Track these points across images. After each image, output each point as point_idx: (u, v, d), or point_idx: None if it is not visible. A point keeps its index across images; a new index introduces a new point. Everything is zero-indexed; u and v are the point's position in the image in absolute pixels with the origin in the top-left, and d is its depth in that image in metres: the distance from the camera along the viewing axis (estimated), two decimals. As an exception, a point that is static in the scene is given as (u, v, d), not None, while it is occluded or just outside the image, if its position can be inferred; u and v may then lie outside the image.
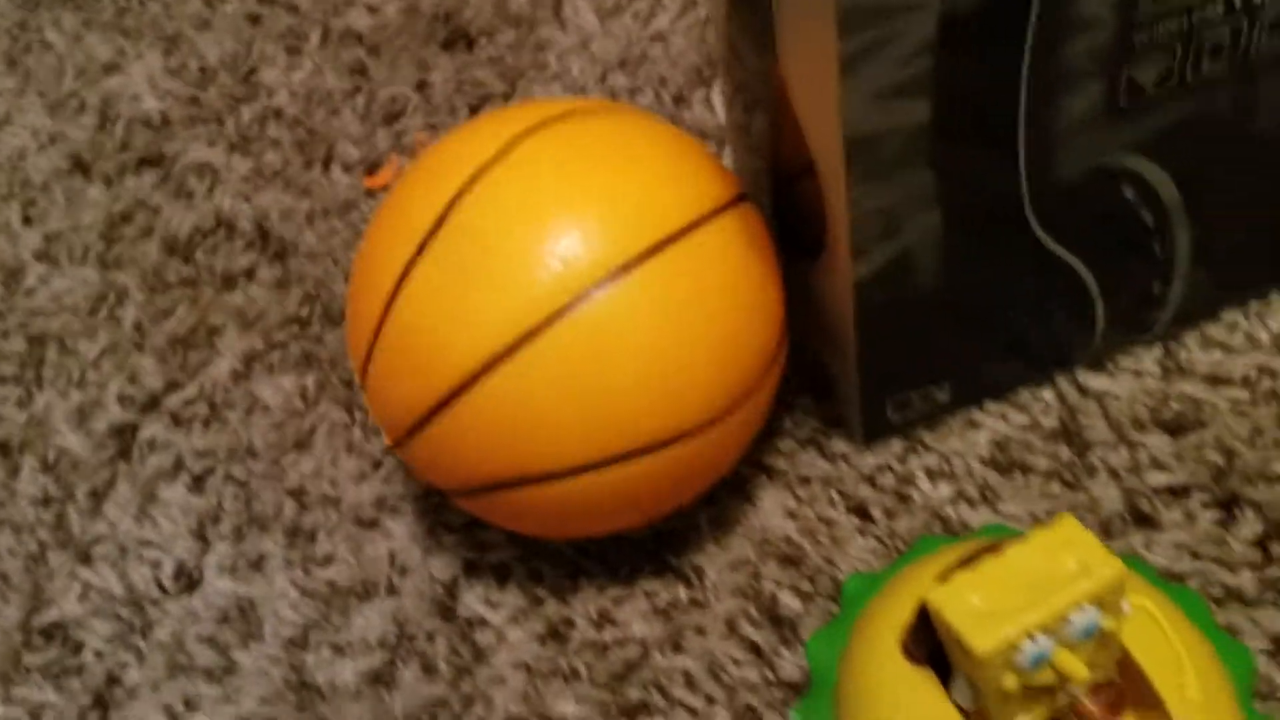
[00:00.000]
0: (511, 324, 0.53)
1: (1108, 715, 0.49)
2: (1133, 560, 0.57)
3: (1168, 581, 0.58)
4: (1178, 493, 0.61)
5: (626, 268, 0.54)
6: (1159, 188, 0.58)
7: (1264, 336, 0.65)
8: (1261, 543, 0.59)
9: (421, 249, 0.55)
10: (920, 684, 0.50)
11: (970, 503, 0.63)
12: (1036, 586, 0.46)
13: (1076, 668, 0.46)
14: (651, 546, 0.64)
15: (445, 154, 0.57)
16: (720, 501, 0.65)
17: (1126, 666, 0.49)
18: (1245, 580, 0.59)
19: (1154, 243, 0.61)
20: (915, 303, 0.59)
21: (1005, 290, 0.60)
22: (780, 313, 0.59)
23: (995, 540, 0.53)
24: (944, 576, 0.49)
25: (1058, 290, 0.61)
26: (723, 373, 0.56)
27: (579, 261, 0.53)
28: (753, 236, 0.58)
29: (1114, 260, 0.61)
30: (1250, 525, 0.60)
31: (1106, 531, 0.61)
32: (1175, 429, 0.63)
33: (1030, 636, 0.46)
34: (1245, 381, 0.64)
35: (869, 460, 0.65)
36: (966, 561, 0.50)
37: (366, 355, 0.57)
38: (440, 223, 0.55)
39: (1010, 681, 0.46)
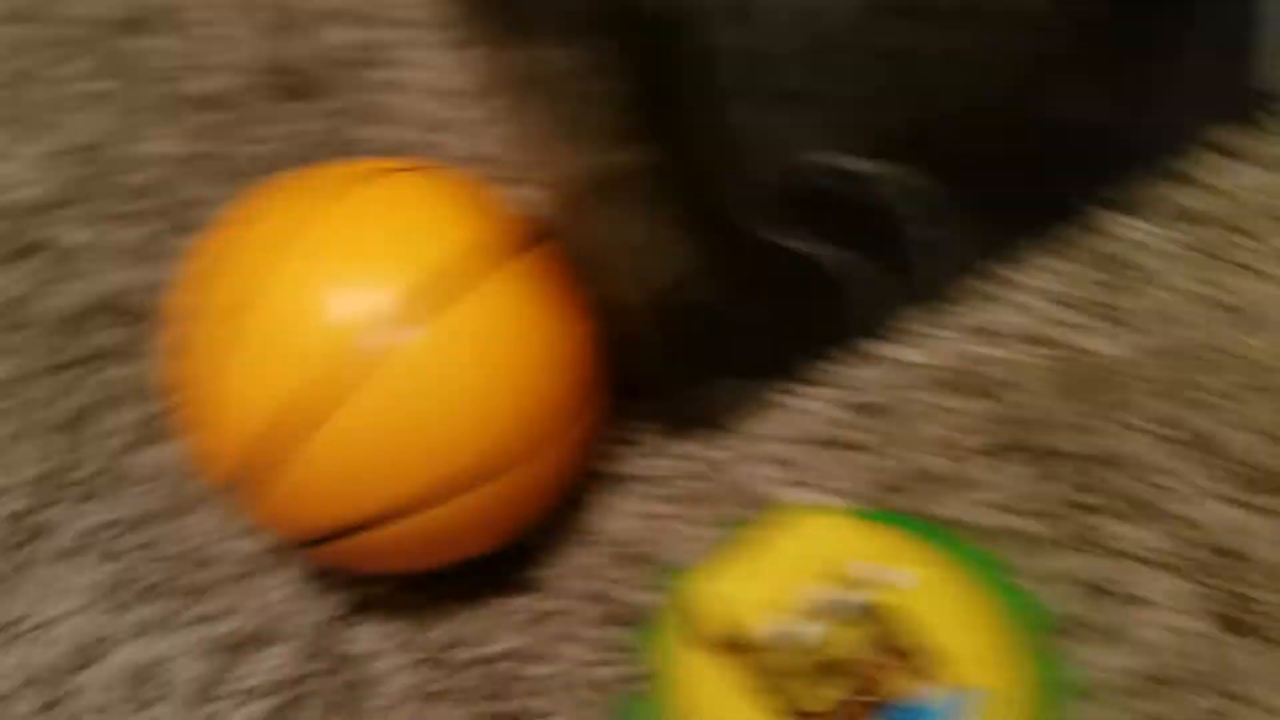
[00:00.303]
0: (310, 391, 0.58)
1: (900, 680, 0.54)
2: (920, 523, 0.63)
3: (961, 541, 0.64)
4: (975, 451, 0.67)
5: (421, 322, 0.59)
6: (882, 177, 0.63)
7: (1035, 287, 0.70)
8: (1060, 490, 0.65)
9: (219, 327, 0.60)
10: (721, 670, 0.55)
11: (784, 483, 0.68)
12: (798, 572, 0.52)
13: (845, 644, 0.52)
14: (510, 565, 0.70)
15: (233, 237, 0.63)
16: (563, 512, 0.71)
17: (912, 632, 0.55)
18: (1049, 528, 0.64)
19: (896, 225, 0.65)
20: (690, 311, 0.64)
21: (773, 288, 0.65)
22: (588, 339, 0.65)
23: (770, 525, 0.58)
24: (718, 566, 0.54)
25: (823, 279, 0.66)
26: (533, 407, 0.61)
27: (375, 321, 0.58)
28: (546, 277, 0.63)
29: (865, 246, 0.66)
30: (1047, 474, 0.66)
31: (911, 495, 0.66)
32: (966, 388, 0.69)
33: (795, 619, 0.51)
34: (1027, 335, 0.69)
35: (689, 452, 0.71)
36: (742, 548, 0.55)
37: (193, 430, 0.62)
38: (240, 300, 0.60)
39: (787, 661, 0.52)
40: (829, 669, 0.53)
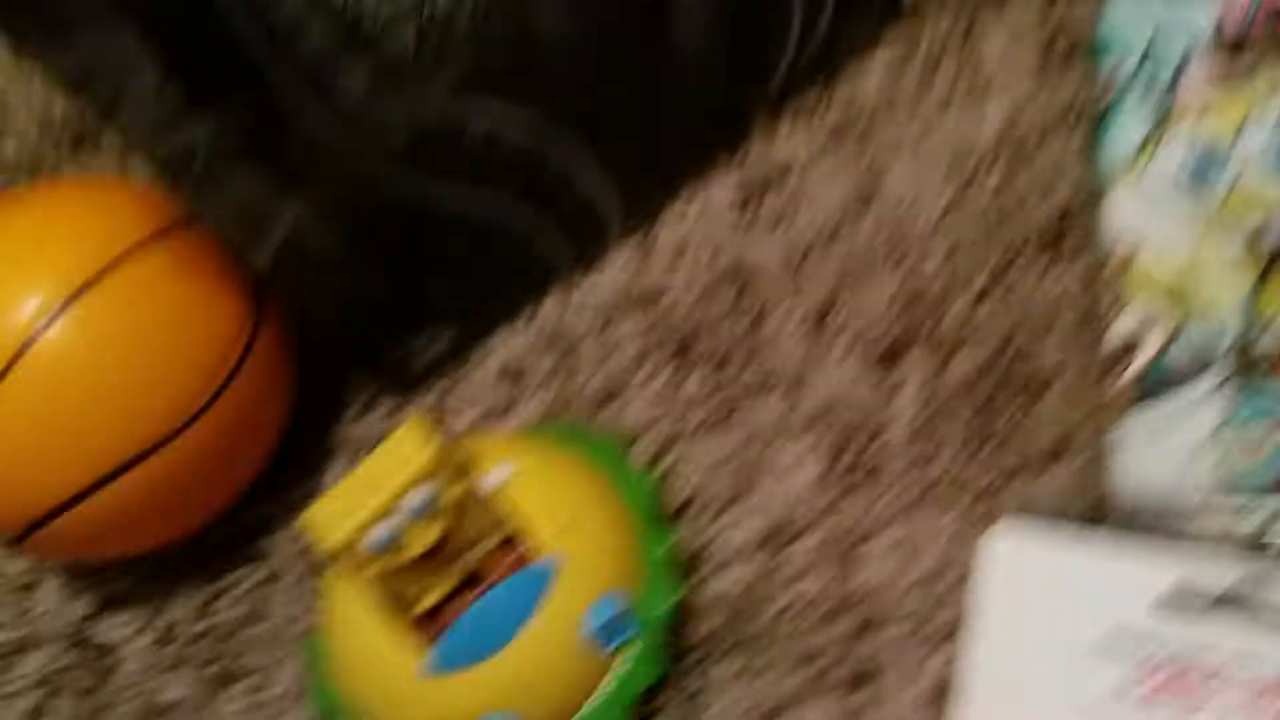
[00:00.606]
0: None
1: (501, 561, 0.57)
2: (563, 428, 0.66)
3: (594, 438, 0.66)
4: (639, 363, 0.69)
5: (61, 309, 0.62)
6: (510, 123, 0.65)
7: (696, 201, 0.73)
8: (708, 383, 0.67)
9: None
10: (343, 587, 0.58)
11: (482, 418, 0.71)
12: (378, 482, 0.54)
13: (418, 540, 0.54)
14: (238, 539, 0.73)
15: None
16: (291, 484, 0.73)
17: (508, 518, 0.57)
18: (695, 417, 0.67)
19: (546, 167, 0.67)
20: (346, 275, 0.67)
21: (429, 241, 0.68)
22: (239, 316, 0.67)
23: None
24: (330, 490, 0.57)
25: (492, 228, 0.69)
26: (179, 384, 0.64)
27: (16, 312, 0.62)
28: (190, 259, 0.66)
29: (513, 186, 0.68)
30: (700, 372, 0.68)
31: (590, 412, 0.69)
32: (638, 307, 0.71)
33: (387, 523, 0.54)
34: (692, 248, 0.72)
35: (410, 410, 0.73)
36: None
37: None
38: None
39: (389, 565, 0.55)
40: (430, 564, 0.56)
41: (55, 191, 0.67)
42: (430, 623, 0.57)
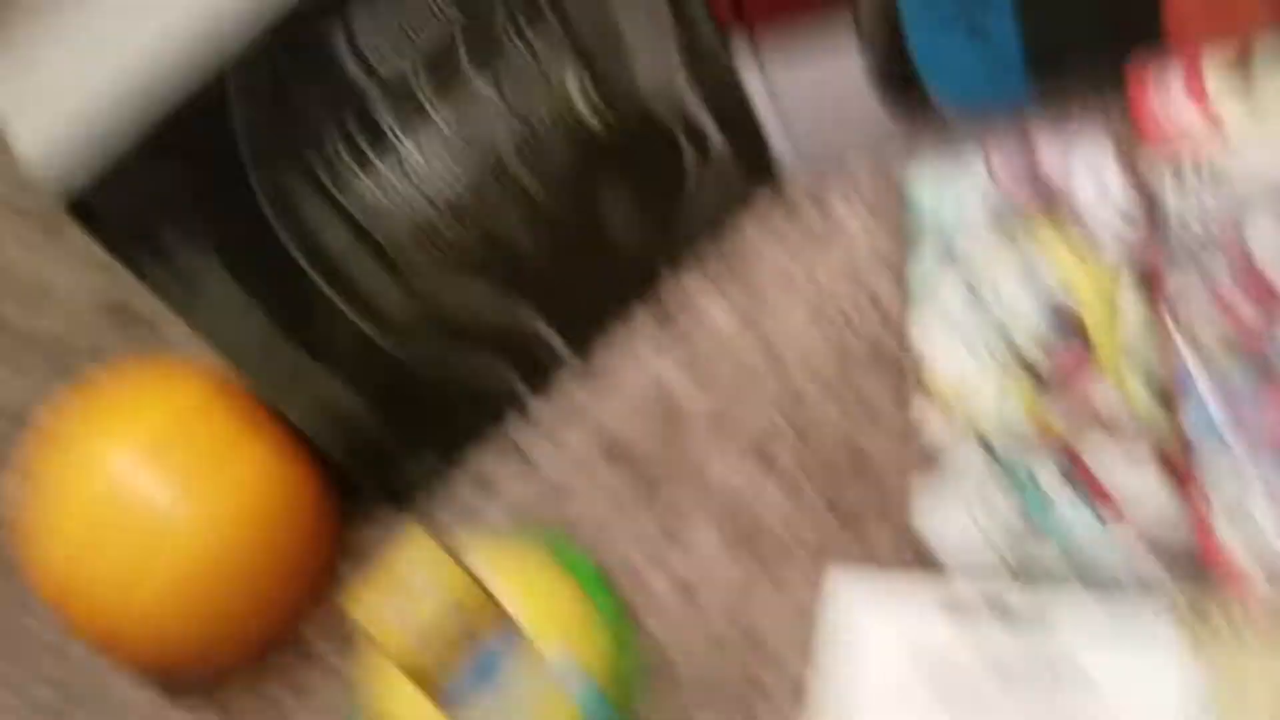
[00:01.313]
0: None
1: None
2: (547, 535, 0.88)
3: (568, 548, 0.87)
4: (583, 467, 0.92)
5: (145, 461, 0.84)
6: (482, 297, 0.87)
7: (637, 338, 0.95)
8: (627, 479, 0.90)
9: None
10: (382, 669, 0.79)
11: (471, 523, 0.93)
12: (411, 582, 0.74)
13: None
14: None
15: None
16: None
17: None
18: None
19: (509, 326, 0.90)
20: (355, 419, 0.88)
21: (420, 390, 0.89)
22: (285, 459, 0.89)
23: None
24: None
25: (467, 376, 0.90)
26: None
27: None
28: (242, 413, 0.87)
29: (482, 348, 0.90)
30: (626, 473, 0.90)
31: (544, 511, 0.91)
32: (585, 421, 0.93)
33: (411, 614, 0.74)
34: (639, 397, 0.94)
35: (402, 519, 0.94)
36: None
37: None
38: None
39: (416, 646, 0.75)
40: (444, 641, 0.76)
41: (137, 372, 0.88)
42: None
